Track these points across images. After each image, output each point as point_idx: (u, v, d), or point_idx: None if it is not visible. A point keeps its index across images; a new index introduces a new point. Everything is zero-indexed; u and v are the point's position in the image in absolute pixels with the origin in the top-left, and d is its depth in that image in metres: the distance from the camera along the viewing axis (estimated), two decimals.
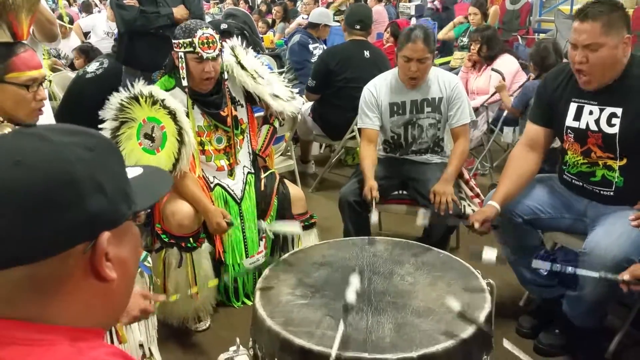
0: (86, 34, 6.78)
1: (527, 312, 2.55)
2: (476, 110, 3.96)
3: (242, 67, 2.67)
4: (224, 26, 4.09)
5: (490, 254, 1.97)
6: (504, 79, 4.09)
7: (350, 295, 1.56)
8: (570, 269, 1.91)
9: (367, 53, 4.13)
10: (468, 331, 1.51)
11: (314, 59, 4.75)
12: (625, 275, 1.81)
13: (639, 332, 2.39)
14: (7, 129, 1.71)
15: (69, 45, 5.92)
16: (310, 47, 4.93)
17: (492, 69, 4.29)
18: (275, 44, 7.06)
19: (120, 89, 2.47)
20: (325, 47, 4.96)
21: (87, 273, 0.74)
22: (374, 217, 2.47)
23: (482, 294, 1.69)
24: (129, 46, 3.55)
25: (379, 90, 2.89)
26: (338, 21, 5.55)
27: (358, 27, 4.17)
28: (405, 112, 2.86)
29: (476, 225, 2.18)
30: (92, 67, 3.90)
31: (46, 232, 0.69)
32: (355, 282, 1.62)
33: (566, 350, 2.33)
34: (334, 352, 1.40)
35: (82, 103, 3.55)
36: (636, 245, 2.00)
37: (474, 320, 1.55)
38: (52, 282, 0.72)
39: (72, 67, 5.26)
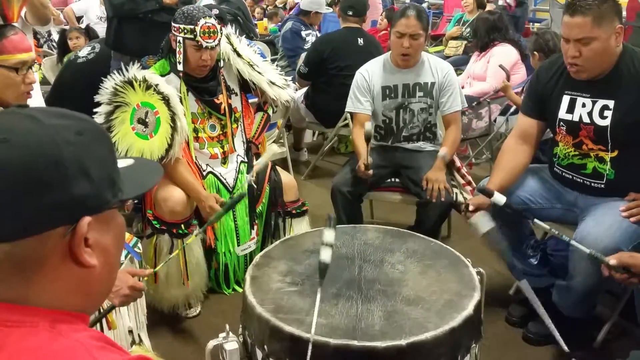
0: (79, 19, 6.70)
1: (516, 301, 2.56)
2: (479, 103, 3.91)
3: (238, 55, 2.66)
4: (216, 11, 4.05)
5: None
6: (508, 77, 3.71)
7: (325, 255, 1.54)
8: (565, 237, 1.96)
9: (360, 41, 4.10)
10: (457, 319, 1.52)
11: (306, 46, 4.71)
12: (613, 260, 1.83)
13: (627, 322, 2.41)
14: None
15: None
16: (303, 34, 4.90)
17: (500, 66, 3.88)
18: (269, 30, 7.02)
19: (115, 72, 2.45)
20: (318, 34, 4.92)
21: (66, 257, 0.73)
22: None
23: (472, 283, 1.70)
24: (117, 31, 3.51)
25: (371, 74, 2.88)
26: (330, 5, 5.51)
27: (350, 13, 4.13)
28: (397, 95, 2.86)
29: (471, 207, 2.18)
30: (84, 51, 3.85)
31: (28, 210, 0.69)
32: (329, 236, 1.57)
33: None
34: (315, 314, 1.40)
35: (73, 87, 3.52)
36: (626, 236, 2.02)
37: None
38: (32, 264, 0.71)
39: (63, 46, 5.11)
